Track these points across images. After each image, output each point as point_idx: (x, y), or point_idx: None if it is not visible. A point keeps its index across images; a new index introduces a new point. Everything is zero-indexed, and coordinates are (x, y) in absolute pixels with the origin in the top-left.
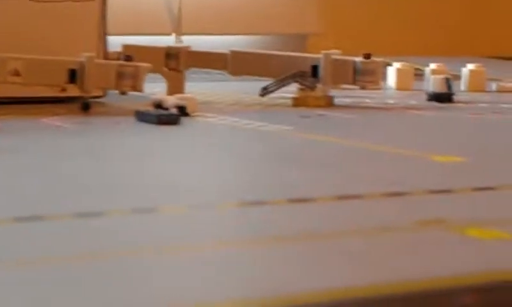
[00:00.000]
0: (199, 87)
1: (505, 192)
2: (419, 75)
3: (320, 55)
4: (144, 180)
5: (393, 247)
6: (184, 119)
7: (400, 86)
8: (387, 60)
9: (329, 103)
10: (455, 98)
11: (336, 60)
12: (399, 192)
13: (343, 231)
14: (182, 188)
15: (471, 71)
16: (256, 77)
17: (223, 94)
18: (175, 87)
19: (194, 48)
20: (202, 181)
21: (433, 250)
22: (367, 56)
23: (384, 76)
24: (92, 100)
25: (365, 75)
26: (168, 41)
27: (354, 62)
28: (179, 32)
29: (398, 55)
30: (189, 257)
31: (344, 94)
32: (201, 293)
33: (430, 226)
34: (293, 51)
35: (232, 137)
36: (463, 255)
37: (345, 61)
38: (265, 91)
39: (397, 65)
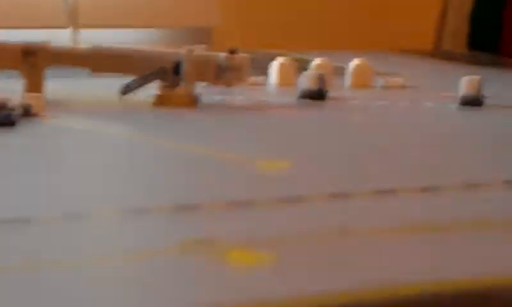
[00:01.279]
0: (61, 84)
1: (310, 203)
2: (305, 69)
3: (183, 51)
4: None
5: (130, 275)
6: (25, 121)
7: (283, 82)
8: (272, 54)
9: (193, 101)
10: (330, 95)
11: (200, 56)
12: (187, 205)
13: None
14: None
15: (356, 66)
16: (120, 74)
17: (84, 93)
18: (33, 85)
19: (82, 43)
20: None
21: (172, 282)
22: (233, 52)
23: (267, 71)
24: None
25: (229, 72)
26: (64, 35)
27: (219, 58)
28: (75, 26)
29: (304, 49)
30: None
31: (217, 91)
32: None
33: (192, 249)
34: (201, 44)
35: (59, 142)
36: (198, 290)
37: (208, 57)
38: (126, 89)
39: (279, 60)
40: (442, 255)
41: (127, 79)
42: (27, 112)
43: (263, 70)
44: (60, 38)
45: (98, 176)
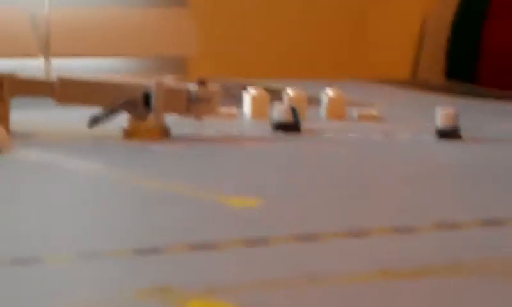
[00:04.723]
0: (28, 115)
1: (277, 246)
2: (278, 99)
3: (152, 82)
4: None
5: None
6: None
7: (255, 113)
8: (244, 83)
9: (163, 134)
10: (304, 127)
11: (170, 88)
12: (149, 248)
13: None
14: None
15: (330, 96)
16: (87, 106)
17: (50, 125)
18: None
19: (58, 72)
20: None
21: None
22: (202, 83)
23: (240, 101)
24: None
25: (199, 104)
26: (35, 64)
27: (188, 90)
28: (47, 55)
29: (279, 78)
30: None
31: (188, 123)
32: None
33: (153, 296)
34: (172, 74)
35: (23, 177)
36: None
37: (178, 89)
38: (94, 122)
39: (251, 91)
40: (419, 301)
41: (95, 111)
42: None
43: (235, 100)
44: (31, 67)
45: (59, 215)
